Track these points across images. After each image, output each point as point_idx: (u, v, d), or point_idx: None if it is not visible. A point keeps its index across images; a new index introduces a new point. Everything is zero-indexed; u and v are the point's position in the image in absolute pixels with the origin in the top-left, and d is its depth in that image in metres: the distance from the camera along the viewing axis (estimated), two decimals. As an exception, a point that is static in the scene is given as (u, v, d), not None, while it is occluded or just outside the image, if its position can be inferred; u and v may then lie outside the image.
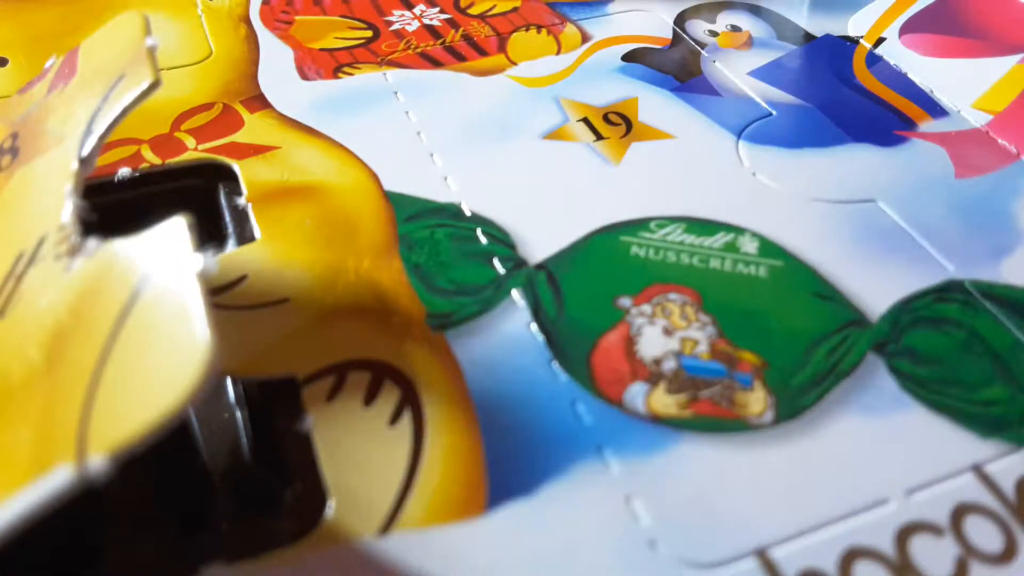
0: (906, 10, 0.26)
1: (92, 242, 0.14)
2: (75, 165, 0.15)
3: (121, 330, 0.12)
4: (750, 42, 0.25)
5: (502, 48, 0.25)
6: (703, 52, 0.25)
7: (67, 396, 0.12)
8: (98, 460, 0.11)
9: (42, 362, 0.13)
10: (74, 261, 0.13)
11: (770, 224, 0.19)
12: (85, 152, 0.15)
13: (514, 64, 0.24)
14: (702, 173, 0.21)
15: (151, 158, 0.21)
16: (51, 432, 0.12)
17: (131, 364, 0.12)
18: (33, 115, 0.17)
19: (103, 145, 0.15)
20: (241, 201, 0.20)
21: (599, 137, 0.21)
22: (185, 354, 0.12)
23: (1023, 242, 0.19)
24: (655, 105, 0.23)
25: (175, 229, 0.13)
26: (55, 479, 0.11)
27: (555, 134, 0.22)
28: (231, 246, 0.19)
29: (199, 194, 0.20)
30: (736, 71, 0.24)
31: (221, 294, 0.17)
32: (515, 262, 0.18)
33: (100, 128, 0.15)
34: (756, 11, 0.27)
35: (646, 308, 0.17)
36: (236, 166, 0.20)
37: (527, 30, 0.25)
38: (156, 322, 0.12)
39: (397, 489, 0.14)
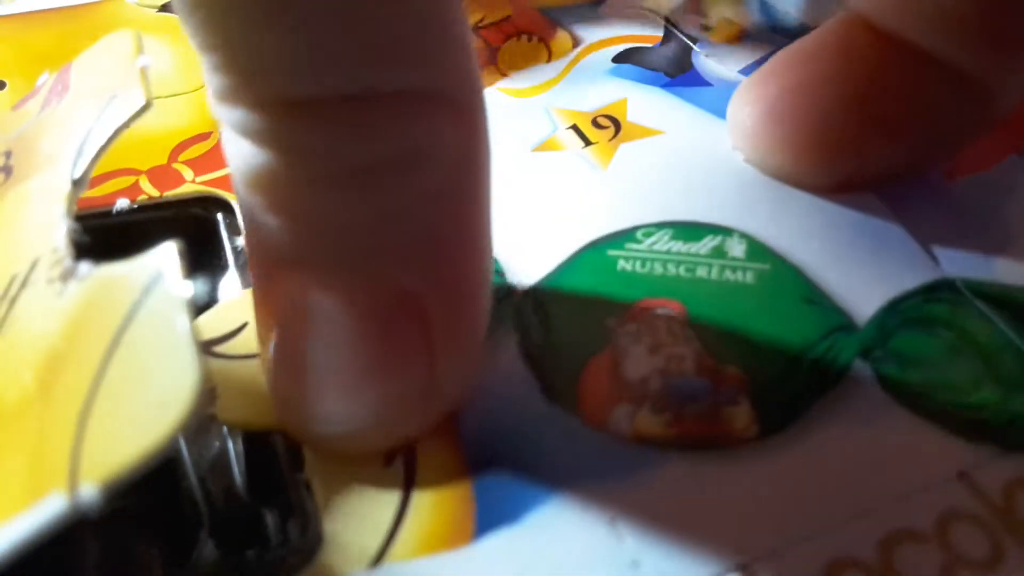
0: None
1: (84, 266, 0.14)
2: (68, 187, 0.15)
3: (113, 357, 0.13)
4: (744, 35, 0.25)
5: (492, 60, 0.24)
6: (695, 47, 0.25)
7: (60, 423, 0.12)
8: (90, 490, 0.11)
9: (36, 388, 0.13)
10: (67, 286, 0.14)
11: (759, 220, 0.19)
12: (77, 174, 0.15)
13: (504, 75, 0.24)
14: (691, 166, 0.20)
15: (149, 189, 0.20)
16: (44, 459, 0.12)
17: (123, 392, 0.12)
18: (27, 133, 0.17)
19: (96, 169, 0.15)
20: (241, 241, 0.19)
21: (587, 143, 0.21)
22: (176, 382, 0.12)
23: (1016, 241, 0.19)
24: (645, 103, 0.22)
25: (166, 255, 0.13)
26: (48, 508, 0.11)
27: (544, 145, 0.21)
28: (230, 278, 0.19)
29: (198, 225, 0.20)
30: (729, 65, 0.24)
31: (221, 343, 0.17)
32: (505, 291, 0.18)
33: (92, 150, 0.15)
34: (750, 4, 0.27)
35: (631, 327, 0.17)
36: (234, 201, 0.20)
37: (518, 39, 0.25)
38: (147, 349, 0.12)
39: (388, 523, 0.15)
